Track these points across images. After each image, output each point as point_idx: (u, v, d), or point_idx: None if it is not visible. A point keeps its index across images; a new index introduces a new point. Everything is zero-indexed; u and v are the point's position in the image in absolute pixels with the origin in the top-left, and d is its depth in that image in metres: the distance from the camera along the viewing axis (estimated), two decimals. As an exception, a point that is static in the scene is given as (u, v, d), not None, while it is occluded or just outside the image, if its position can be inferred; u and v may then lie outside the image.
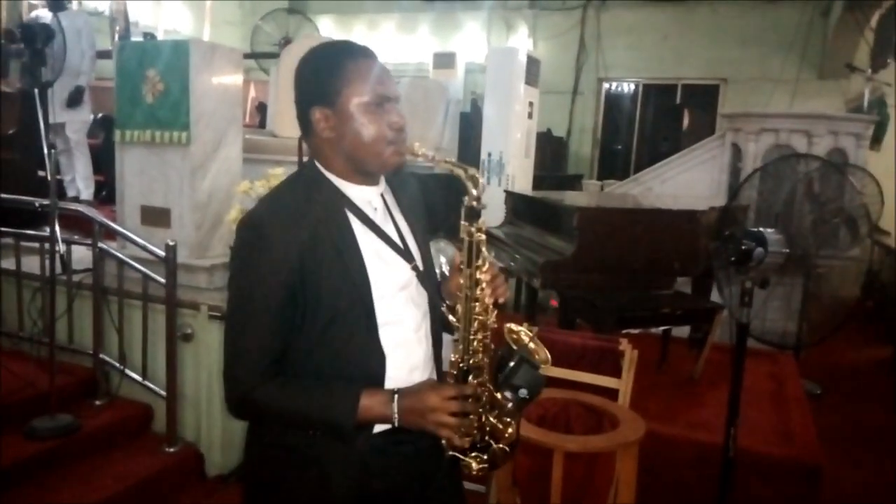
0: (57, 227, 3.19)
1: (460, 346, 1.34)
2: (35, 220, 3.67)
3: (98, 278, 3.49)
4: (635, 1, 9.69)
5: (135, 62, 3.64)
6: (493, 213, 4.61)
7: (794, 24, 8.79)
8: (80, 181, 5.68)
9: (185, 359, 3.38)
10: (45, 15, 4.95)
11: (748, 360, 2.36)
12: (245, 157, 4.01)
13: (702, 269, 3.88)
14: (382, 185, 1.41)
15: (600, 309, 3.48)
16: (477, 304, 1.32)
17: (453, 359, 1.35)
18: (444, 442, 1.32)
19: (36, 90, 3.31)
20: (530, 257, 3.78)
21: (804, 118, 5.58)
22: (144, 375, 3.45)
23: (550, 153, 9.39)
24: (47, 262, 3.33)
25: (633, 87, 10.29)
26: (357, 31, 11.03)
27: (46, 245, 3.34)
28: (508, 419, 1.35)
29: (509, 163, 5.38)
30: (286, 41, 9.77)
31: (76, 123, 5.55)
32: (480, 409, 1.33)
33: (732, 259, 2.21)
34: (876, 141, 6.27)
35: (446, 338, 1.44)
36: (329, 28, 11.07)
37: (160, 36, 7.26)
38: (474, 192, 1.29)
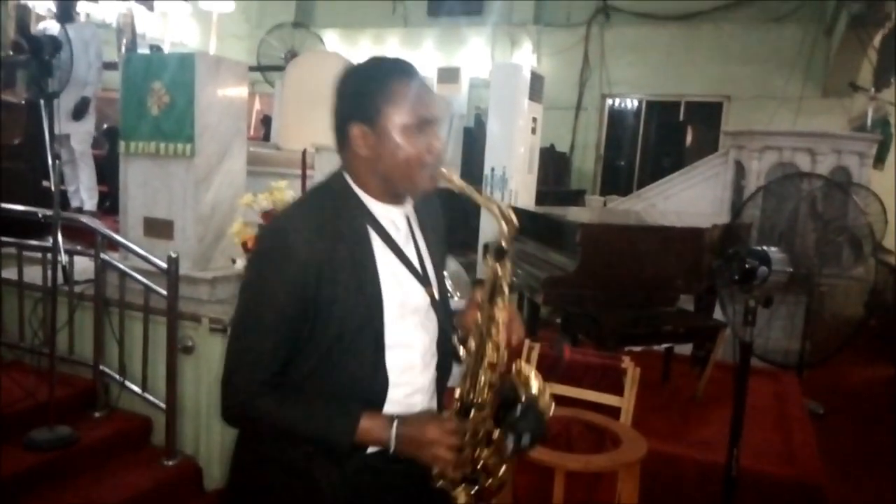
0: (59, 238, 3.19)
1: (467, 381, 1.33)
2: (38, 231, 3.69)
3: (100, 289, 3.48)
4: (639, 18, 9.73)
5: (141, 74, 3.66)
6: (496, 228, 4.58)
7: (798, 42, 8.82)
8: (84, 192, 5.69)
9: (185, 371, 3.37)
10: (53, 27, 4.98)
11: (751, 379, 2.34)
12: (249, 170, 4.02)
13: (705, 287, 3.87)
14: (409, 206, 1.39)
15: (603, 326, 3.47)
16: (490, 342, 1.31)
17: (458, 391, 1.34)
18: (434, 472, 1.30)
19: (42, 101, 3.32)
20: (533, 273, 3.77)
21: (807, 136, 5.55)
22: (144, 388, 3.44)
23: (554, 169, 9.41)
24: (49, 273, 3.33)
25: (636, 103, 10.31)
26: (362, 46, 11.08)
27: (49, 255, 3.34)
28: (502, 460, 1.33)
29: (512, 178, 5.37)
30: (292, 54, 9.87)
31: (81, 134, 5.56)
32: (477, 446, 1.32)
33: (736, 277, 2.21)
34: (879, 160, 6.28)
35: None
36: (334, 42, 11.13)
37: (167, 48, 7.29)
38: (506, 232, 1.28)
